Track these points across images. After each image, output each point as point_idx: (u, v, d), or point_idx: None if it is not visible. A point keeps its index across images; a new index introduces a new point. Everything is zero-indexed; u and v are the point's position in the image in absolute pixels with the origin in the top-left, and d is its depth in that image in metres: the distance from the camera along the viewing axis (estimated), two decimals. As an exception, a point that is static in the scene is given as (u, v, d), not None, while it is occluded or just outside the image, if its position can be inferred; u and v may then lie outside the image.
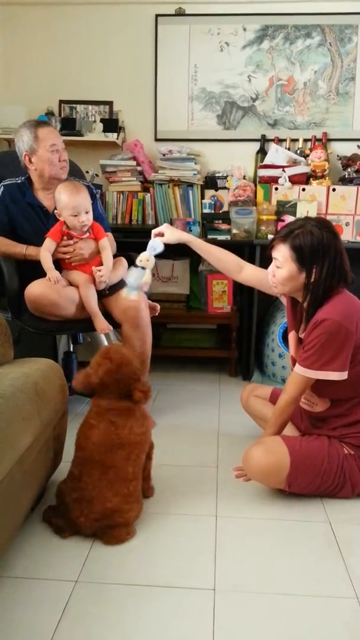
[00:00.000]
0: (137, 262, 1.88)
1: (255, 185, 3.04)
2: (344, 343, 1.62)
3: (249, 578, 1.37)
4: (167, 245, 1.92)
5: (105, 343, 2.90)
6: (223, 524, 1.60)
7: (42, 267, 2.14)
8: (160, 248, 1.90)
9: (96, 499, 1.45)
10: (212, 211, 3.06)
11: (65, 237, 2.19)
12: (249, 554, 1.47)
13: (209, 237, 2.94)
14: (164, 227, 1.94)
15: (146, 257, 1.87)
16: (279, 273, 1.73)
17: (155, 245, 1.90)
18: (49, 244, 2.16)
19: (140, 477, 1.56)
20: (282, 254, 1.70)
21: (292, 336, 1.88)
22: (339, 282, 1.69)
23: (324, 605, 1.27)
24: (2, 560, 1.39)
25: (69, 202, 2.14)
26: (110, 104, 3.23)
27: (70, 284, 2.19)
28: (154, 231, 1.95)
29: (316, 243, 1.64)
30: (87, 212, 2.18)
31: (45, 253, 2.14)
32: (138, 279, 1.88)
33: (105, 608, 1.25)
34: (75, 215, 2.15)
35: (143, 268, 1.88)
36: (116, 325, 2.24)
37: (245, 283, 2.06)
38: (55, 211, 2.20)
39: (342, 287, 1.70)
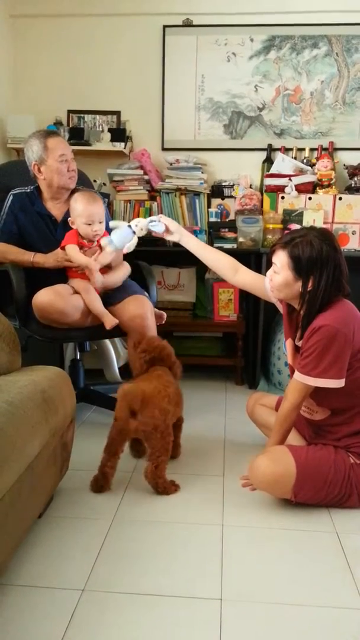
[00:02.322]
0: (132, 224, 1.90)
1: (262, 194, 3.06)
2: (341, 349, 1.63)
3: (255, 588, 1.36)
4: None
5: (111, 350, 2.91)
6: (230, 533, 1.60)
7: (49, 274, 2.16)
8: (160, 229, 1.92)
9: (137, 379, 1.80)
10: (219, 220, 3.08)
11: None
12: (256, 563, 1.46)
13: (216, 245, 2.95)
14: (170, 221, 1.97)
15: (141, 226, 1.90)
16: (276, 278, 1.74)
17: (157, 224, 1.92)
18: (74, 249, 2.18)
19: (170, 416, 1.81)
20: (280, 260, 1.72)
21: (288, 344, 1.89)
22: (337, 294, 1.70)
23: (332, 616, 1.27)
24: (9, 568, 1.40)
25: (84, 211, 2.16)
26: (117, 113, 3.26)
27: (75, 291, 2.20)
28: (160, 215, 1.99)
29: (314, 255, 1.65)
30: (100, 222, 2.20)
31: (74, 251, 2.17)
32: (122, 239, 1.90)
33: (111, 617, 1.25)
34: (89, 224, 2.17)
35: (134, 232, 1.90)
36: (123, 333, 2.25)
37: (240, 287, 2.06)
38: (69, 219, 2.22)
39: (339, 298, 1.71)
